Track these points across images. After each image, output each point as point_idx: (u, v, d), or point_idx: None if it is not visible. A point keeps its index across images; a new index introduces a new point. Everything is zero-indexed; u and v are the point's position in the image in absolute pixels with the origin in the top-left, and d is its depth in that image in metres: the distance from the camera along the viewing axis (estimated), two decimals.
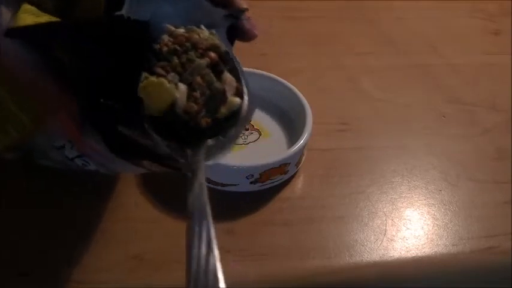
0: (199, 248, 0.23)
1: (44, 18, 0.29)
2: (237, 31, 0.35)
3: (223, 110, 0.29)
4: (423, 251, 0.41)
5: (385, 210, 0.44)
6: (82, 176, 0.36)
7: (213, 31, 0.31)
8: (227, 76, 0.30)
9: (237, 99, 0.29)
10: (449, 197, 0.46)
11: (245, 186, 0.43)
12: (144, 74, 0.28)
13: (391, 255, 0.41)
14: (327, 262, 0.40)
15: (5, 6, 0.29)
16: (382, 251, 0.41)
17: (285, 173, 0.44)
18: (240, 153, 0.44)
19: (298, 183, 0.45)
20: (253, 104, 0.30)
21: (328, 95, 0.54)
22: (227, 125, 0.29)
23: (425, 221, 0.44)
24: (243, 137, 0.46)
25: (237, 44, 0.58)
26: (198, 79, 0.29)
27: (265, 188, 0.44)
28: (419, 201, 0.45)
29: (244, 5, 0.35)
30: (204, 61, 0.29)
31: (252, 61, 0.55)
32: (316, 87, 0.54)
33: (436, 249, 0.42)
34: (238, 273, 0.39)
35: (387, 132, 0.51)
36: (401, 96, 0.55)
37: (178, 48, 0.29)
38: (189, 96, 0.28)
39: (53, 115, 0.30)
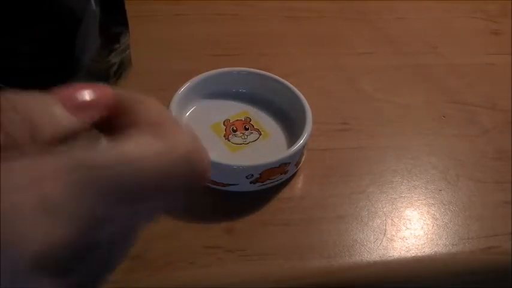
0: None
1: None
2: None
3: None
4: (423, 251, 0.41)
5: (384, 210, 0.44)
6: None
7: None
8: None
9: None
10: (449, 196, 0.46)
11: (245, 186, 0.43)
12: None
13: (391, 255, 0.41)
14: (327, 262, 0.40)
15: None
16: (382, 251, 0.41)
17: (285, 172, 0.44)
18: (240, 153, 0.44)
19: (298, 183, 0.45)
20: None
21: (328, 95, 0.54)
22: None
23: (425, 220, 0.44)
24: (242, 137, 0.46)
25: (237, 44, 0.58)
26: None
27: (265, 188, 0.44)
28: (419, 201, 0.45)
29: None
30: None
31: (252, 61, 0.55)
32: (316, 87, 0.54)
33: (436, 249, 0.42)
34: (238, 273, 0.39)
35: (387, 132, 0.51)
36: (401, 96, 0.55)
37: None
38: None
39: None
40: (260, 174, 0.42)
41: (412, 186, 0.46)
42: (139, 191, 0.16)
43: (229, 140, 0.45)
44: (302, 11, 0.64)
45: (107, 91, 0.18)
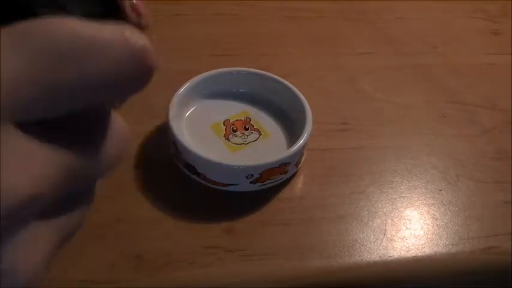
0: None
1: None
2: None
3: None
4: (423, 251, 0.41)
5: (385, 210, 0.44)
6: None
7: None
8: None
9: None
10: (449, 197, 0.46)
11: (245, 186, 0.43)
12: None
13: (391, 255, 0.41)
14: (327, 262, 0.40)
15: None
16: (382, 251, 0.41)
17: (285, 172, 0.44)
18: (240, 153, 0.44)
19: (298, 183, 0.45)
20: None
21: (328, 95, 0.54)
22: None
23: (425, 220, 0.44)
24: (242, 137, 0.46)
25: (237, 44, 0.58)
26: None
27: (265, 188, 0.44)
28: (419, 201, 0.45)
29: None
30: None
31: (252, 61, 0.55)
32: (316, 87, 0.54)
33: (436, 249, 0.42)
34: (238, 273, 0.39)
35: (387, 132, 0.51)
36: (401, 96, 0.55)
37: None
38: None
39: None
40: (260, 174, 0.42)
41: (412, 186, 0.46)
42: (73, 55, 0.16)
43: (229, 140, 0.45)
44: (302, 11, 0.64)
45: None
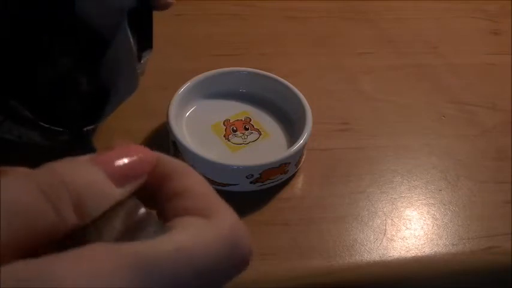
0: None
1: None
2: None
3: None
4: (423, 251, 0.41)
5: (385, 210, 0.44)
6: None
7: None
8: None
9: None
10: (449, 196, 0.46)
11: (245, 186, 0.43)
12: None
13: (391, 255, 0.41)
14: (327, 262, 0.40)
15: None
16: (382, 251, 0.41)
17: (285, 172, 0.44)
18: (240, 153, 0.44)
19: (298, 183, 0.45)
20: None
21: (328, 95, 0.54)
22: None
23: (425, 220, 0.44)
24: (242, 137, 0.46)
25: (236, 44, 0.58)
26: None
27: (265, 188, 0.44)
28: (419, 201, 0.45)
29: None
30: None
31: (252, 61, 0.55)
32: (316, 87, 0.54)
33: (436, 249, 0.42)
34: None
35: (387, 132, 0.51)
36: (401, 96, 0.55)
37: None
38: None
39: None
40: (260, 174, 0.42)
41: (412, 186, 0.46)
42: (189, 278, 0.17)
43: (229, 140, 0.45)
44: (302, 11, 0.64)
45: (148, 156, 0.19)
